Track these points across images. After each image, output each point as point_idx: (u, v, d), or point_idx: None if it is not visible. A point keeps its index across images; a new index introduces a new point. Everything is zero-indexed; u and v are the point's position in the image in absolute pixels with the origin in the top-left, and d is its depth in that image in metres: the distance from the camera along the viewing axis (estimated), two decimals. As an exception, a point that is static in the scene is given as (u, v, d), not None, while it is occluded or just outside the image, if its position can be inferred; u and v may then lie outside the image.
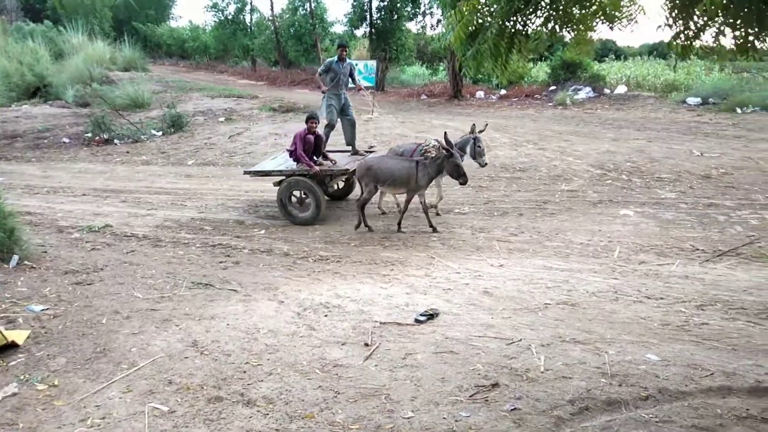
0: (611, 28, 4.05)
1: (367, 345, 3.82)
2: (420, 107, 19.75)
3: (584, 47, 4.03)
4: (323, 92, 9.08)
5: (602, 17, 3.93)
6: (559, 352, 3.62)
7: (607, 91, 20.33)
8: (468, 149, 7.36)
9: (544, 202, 8.29)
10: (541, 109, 18.87)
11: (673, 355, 3.53)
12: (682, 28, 2.93)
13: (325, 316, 4.41)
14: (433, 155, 7.08)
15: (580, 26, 3.87)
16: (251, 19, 35.64)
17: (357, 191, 9.14)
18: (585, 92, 19.39)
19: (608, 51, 39.74)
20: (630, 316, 4.31)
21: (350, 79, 9.34)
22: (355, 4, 24.12)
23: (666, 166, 9.71)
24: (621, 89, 20.64)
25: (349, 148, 9.14)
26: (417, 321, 4.23)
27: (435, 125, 14.94)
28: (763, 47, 2.68)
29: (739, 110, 15.82)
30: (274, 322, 4.28)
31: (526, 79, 23.85)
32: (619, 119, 15.39)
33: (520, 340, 3.84)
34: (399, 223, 7.23)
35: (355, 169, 7.70)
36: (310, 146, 7.82)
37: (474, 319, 4.28)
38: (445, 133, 6.96)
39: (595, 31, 4.01)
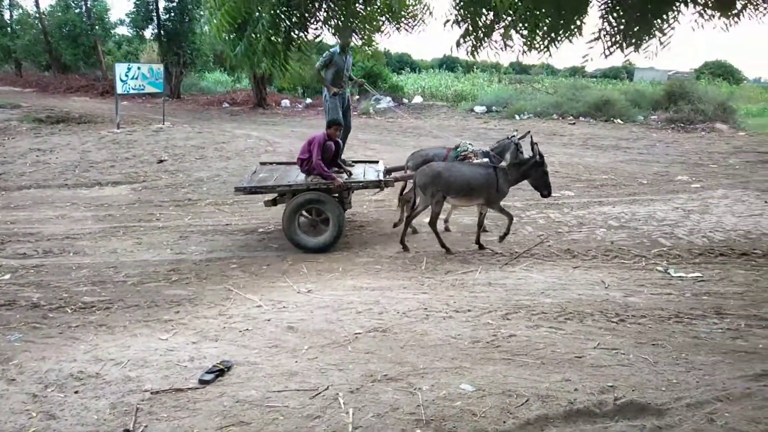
0: (398, 28, 3.73)
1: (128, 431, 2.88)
2: (221, 116, 18.45)
3: (373, 51, 3.62)
4: (334, 94, 7.44)
5: (388, 16, 3.57)
6: (370, 398, 3.12)
7: (405, 101, 21.34)
8: (509, 156, 6.56)
9: (353, 213, 7.96)
10: (346, 118, 18.93)
11: (487, 381, 3.27)
12: (470, 27, 2.64)
13: (75, 392, 3.32)
14: (476, 160, 6.36)
15: (366, 25, 3.45)
16: (11, 15, 30.30)
17: (351, 211, 7.70)
18: (386, 102, 20.04)
19: (405, 64, 42.44)
20: (441, 337, 4.03)
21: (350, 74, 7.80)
22: (138, 3, 21.73)
23: (462, 170, 10.14)
24: (417, 99, 21.86)
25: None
26: (202, 382, 3.39)
27: (237, 135, 13.97)
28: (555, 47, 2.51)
29: (517, 117, 17.71)
30: (-8, 415, 3.08)
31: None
32: (418, 128, 16.08)
33: (327, 388, 3.26)
34: (503, 238, 6.25)
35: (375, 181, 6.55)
36: (329, 154, 6.41)
37: (275, 367, 3.59)
38: (529, 133, 6.37)
39: (381, 31, 3.64)
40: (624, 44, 2.34)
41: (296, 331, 4.19)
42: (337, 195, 6.47)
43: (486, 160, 6.52)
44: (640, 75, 38.80)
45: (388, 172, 7.08)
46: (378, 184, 6.63)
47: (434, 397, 3.11)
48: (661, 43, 2.39)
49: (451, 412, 2.94)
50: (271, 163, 8.01)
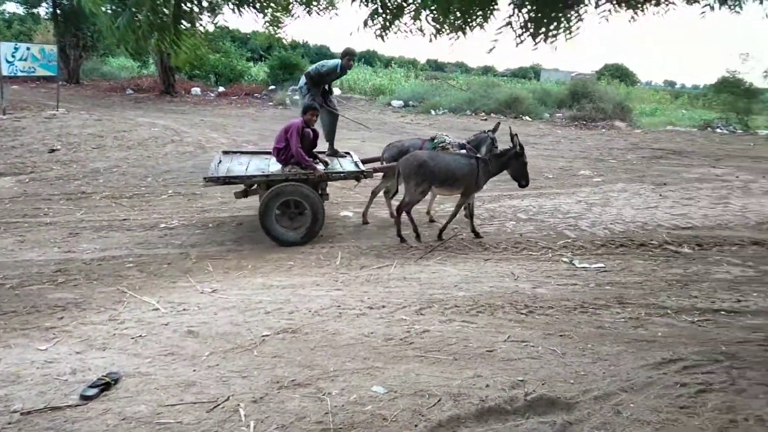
0: (309, 12, 3.50)
1: (-15, 464, 2.48)
2: (124, 103, 17.23)
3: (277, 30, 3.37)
4: (320, 105, 7.14)
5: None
6: (275, 407, 2.90)
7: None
8: (484, 149, 6.43)
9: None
10: (261, 108, 18.38)
11: (399, 382, 3.15)
12: (379, 7, 2.48)
13: (-76, 419, 2.83)
14: (454, 151, 6.35)
15: (272, 3, 3.20)
16: None
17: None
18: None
19: (323, 56, 41.89)
20: (354, 336, 3.88)
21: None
22: (27, -24, 19.76)
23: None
24: (336, 91, 21.56)
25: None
26: (84, 398, 3.01)
27: (141, 123, 13.06)
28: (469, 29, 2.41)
29: (433, 112, 17.93)
30: None
31: (246, 78, 23.15)
32: (339, 120, 15.79)
33: (227, 398, 3.00)
34: (442, 232, 6.38)
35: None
36: (307, 142, 6.12)
37: (169, 377, 3.27)
38: (510, 129, 6.09)
39: (290, 11, 3.40)
40: (533, 33, 2.28)
41: (197, 335, 3.87)
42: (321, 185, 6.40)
43: (463, 151, 6.58)
44: (547, 75, 40.82)
45: (363, 163, 6.98)
46: (358, 175, 6.53)
47: (344, 402, 2.95)
48: (570, 33, 2.36)
49: (361, 417, 2.79)
50: (234, 152, 7.68)
